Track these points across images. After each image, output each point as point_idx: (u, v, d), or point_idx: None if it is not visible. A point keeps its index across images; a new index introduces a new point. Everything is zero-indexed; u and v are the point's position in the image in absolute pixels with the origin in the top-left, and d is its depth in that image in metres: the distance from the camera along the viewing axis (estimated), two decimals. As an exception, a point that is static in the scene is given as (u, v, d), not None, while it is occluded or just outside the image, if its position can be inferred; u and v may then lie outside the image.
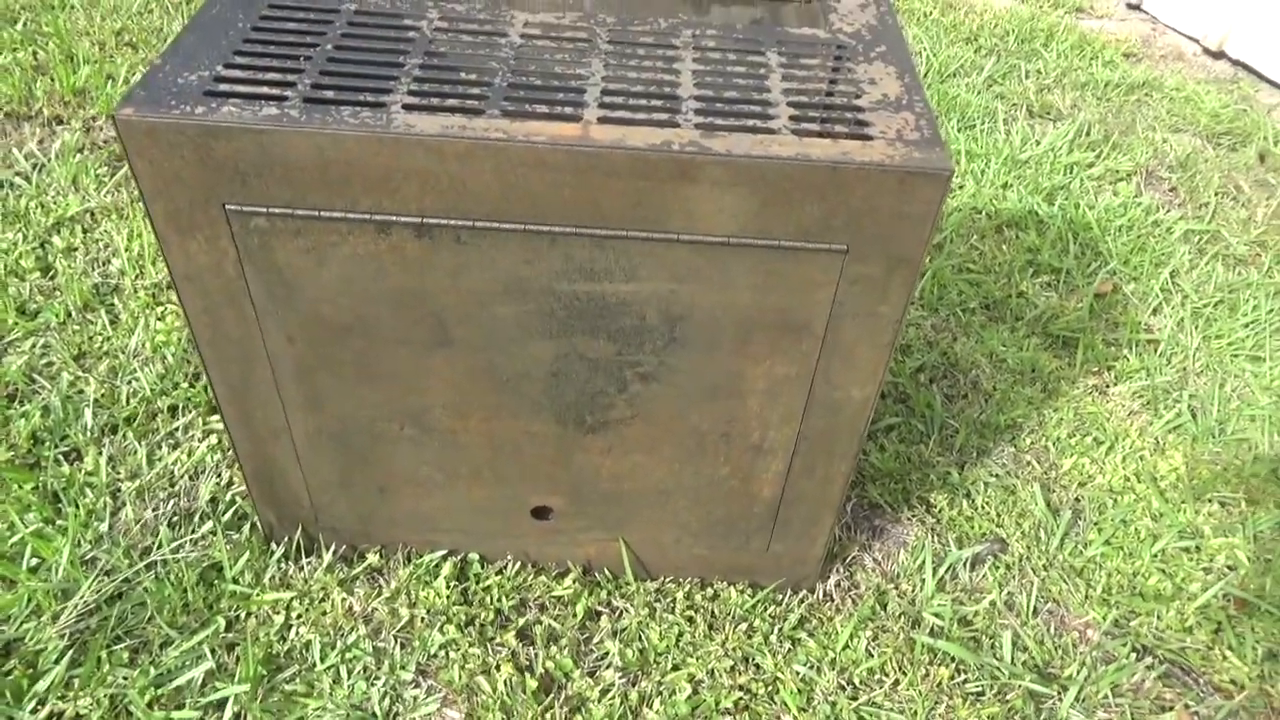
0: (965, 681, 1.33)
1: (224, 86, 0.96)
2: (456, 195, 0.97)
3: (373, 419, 1.21)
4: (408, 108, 0.96)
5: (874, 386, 1.14)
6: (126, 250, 1.85)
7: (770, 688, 1.30)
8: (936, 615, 1.40)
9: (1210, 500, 1.69)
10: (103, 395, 1.58)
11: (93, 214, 1.94)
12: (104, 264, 1.83)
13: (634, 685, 1.29)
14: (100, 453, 1.48)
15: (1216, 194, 2.62)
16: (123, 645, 1.26)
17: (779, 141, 0.95)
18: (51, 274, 1.80)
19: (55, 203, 1.95)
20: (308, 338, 1.11)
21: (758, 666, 1.32)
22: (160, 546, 1.35)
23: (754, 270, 1.02)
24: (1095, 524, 1.60)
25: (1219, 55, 3.31)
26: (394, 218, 0.99)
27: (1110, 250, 2.32)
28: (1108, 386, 1.93)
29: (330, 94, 0.97)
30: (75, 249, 1.86)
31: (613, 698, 1.27)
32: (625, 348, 1.11)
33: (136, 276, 1.80)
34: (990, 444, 1.73)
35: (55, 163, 2.04)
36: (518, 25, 1.10)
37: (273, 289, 1.06)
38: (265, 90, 0.96)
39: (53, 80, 2.28)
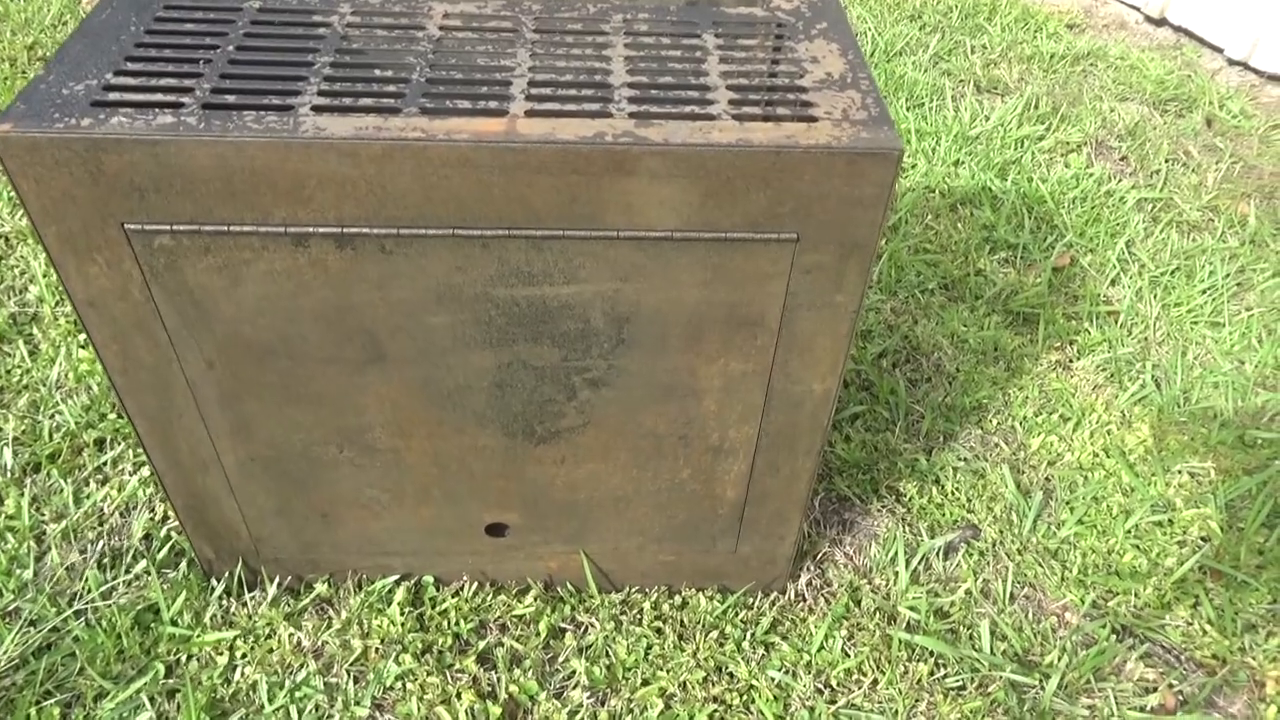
0: (945, 676, 1.29)
1: (114, 95, 0.88)
2: (377, 201, 0.90)
3: (307, 443, 1.13)
4: (318, 109, 0.89)
5: (835, 378, 1.09)
6: (44, 276, 1.75)
7: (745, 697, 1.25)
8: (912, 609, 1.36)
9: (1180, 471, 1.66)
10: (23, 432, 1.48)
11: (6, 239, 1.83)
12: (20, 291, 1.73)
13: (603, 704, 1.23)
14: (22, 494, 1.39)
15: (1167, 161, 2.61)
16: (53, 700, 1.17)
17: (719, 127, 0.89)
18: (-36, 306, 1.70)
19: (-34, 229, 1.84)
20: (228, 361, 1.04)
21: (731, 675, 1.27)
22: (89, 591, 1.26)
23: (701, 265, 0.96)
24: (1067, 503, 1.57)
25: (1161, 22, 3.31)
26: (311, 229, 0.92)
27: (1065, 223, 2.30)
28: (1071, 361, 1.90)
29: (232, 98, 0.89)
30: (-11, 277, 1.75)
31: (582, 719, 1.21)
32: (571, 353, 1.05)
33: (57, 303, 1.70)
34: (957, 427, 1.69)
35: (-35, 187, 1.93)
36: (436, 17, 1.03)
37: (185, 312, 0.98)
38: (159, 97, 0.88)
39: (-39, 100, 2.16)
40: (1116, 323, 2.01)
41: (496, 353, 1.04)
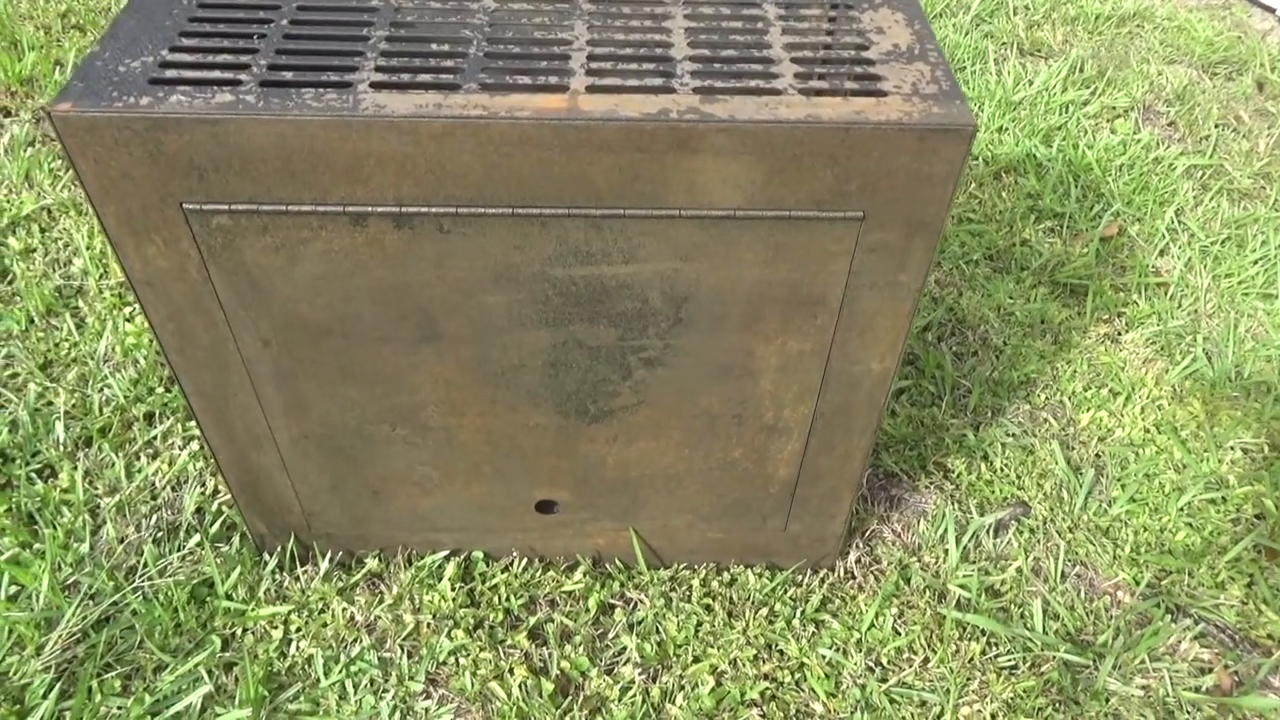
0: (997, 655, 1.28)
1: (170, 73, 0.87)
2: (436, 180, 0.88)
3: (361, 421, 1.13)
4: (376, 86, 0.87)
5: (894, 358, 1.07)
6: (88, 249, 1.75)
7: (797, 675, 1.25)
8: (962, 587, 1.35)
9: (1233, 447, 1.64)
10: (74, 406, 1.50)
11: (49, 211, 1.84)
12: (65, 264, 1.74)
13: (654, 681, 1.24)
14: (75, 468, 1.41)
15: (1216, 126, 2.54)
16: (114, 673, 1.19)
17: (786, 102, 0.87)
18: (9, 278, 1.70)
19: (8, 201, 1.84)
20: (284, 340, 1.03)
21: (782, 653, 1.27)
22: (146, 565, 1.28)
23: (763, 243, 0.95)
24: (1118, 480, 1.55)
25: (1210, -20, 3.20)
26: (369, 208, 0.90)
27: (1112, 191, 2.24)
28: (1119, 334, 1.87)
29: (289, 75, 0.87)
30: (33, 250, 1.76)
31: (633, 695, 1.21)
32: (627, 332, 1.03)
33: (100, 276, 1.71)
34: (1004, 402, 1.67)
35: (5, 159, 1.93)
36: (490, -13, 1.01)
37: (241, 291, 0.98)
38: (217, 75, 0.87)
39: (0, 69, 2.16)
40: (1166, 294, 1.97)
41: (552, 332, 1.03)
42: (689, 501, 1.27)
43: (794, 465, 1.21)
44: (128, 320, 1.64)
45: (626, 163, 0.87)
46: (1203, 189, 2.30)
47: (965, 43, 2.78)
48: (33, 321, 1.62)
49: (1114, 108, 2.58)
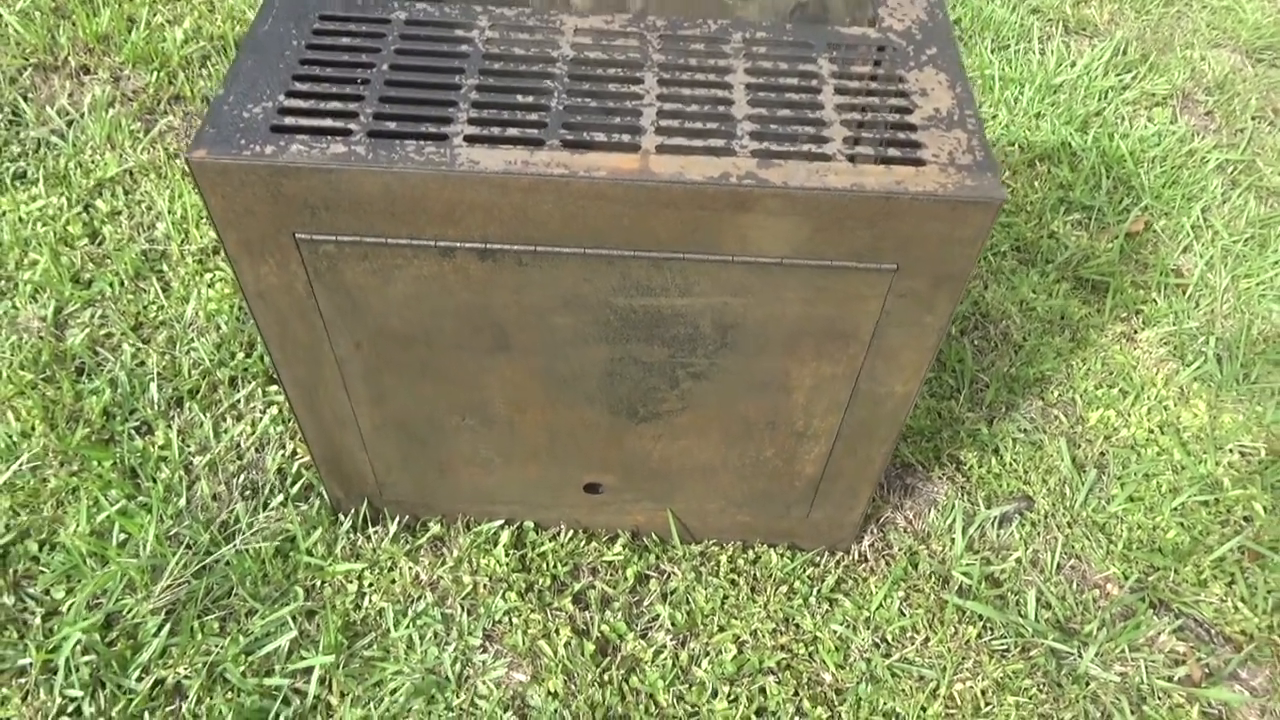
0: (992, 639, 1.43)
1: (289, 120, 0.98)
2: (518, 224, 1.00)
3: (435, 411, 1.27)
4: (470, 139, 0.98)
5: (917, 381, 1.19)
6: (169, 213, 1.88)
7: (810, 647, 1.40)
8: (965, 575, 1.49)
9: (1231, 450, 1.75)
10: (164, 367, 1.64)
11: (131, 174, 1.96)
12: (149, 228, 1.87)
13: (683, 646, 1.40)
14: (170, 426, 1.56)
15: (1254, 119, 2.58)
16: (212, 616, 1.36)
17: (834, 170, 0.97)
18: (99, 240, 1.84)
19: (93, 162, 1.97)
20: (374, 345, 1.16)
21: (798, 627, 1.42)
22: (238, 521, 1.44)
23: (805, 286, 1.06)
24: (1119, 478, 1.67)
25: (1266, -42, 3.17)
26: (458, 244, 1.02)
27: (1143, 185, 2.31)
28: (1135, 332, 1.97)
29: (393, 125, 0.98)
30: (119, 212, 1.89)
31: (664, 659, 1.37)
32: (678, 352, 1.16)
33: (182, 242, 1.84)
34: (1019, 398, 1.78)
35: (88, 119, 2.04)
36: (568, 33, 1.11)
37: (340, 305, 1.11)
38: (329, 123, 0.98)
39: (75, 26, 2.25)
40: (1184, 294, 2.05)
41: (611, 348, 1.15)
42: (722, 489, 1.40)
43: (819, 465, 1.35)
44: (209, 286, 1.77)
45: (689, 217, 0.98)
46: (1232, 185, 2.36)
47: (1011, 20, 2.80)
48: (123, 284, 1.76)
49: (1154, 94, 2.61)
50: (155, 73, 2.16)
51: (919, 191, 0.95)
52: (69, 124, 2.04)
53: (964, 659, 1.41)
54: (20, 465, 1.48)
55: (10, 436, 1.52)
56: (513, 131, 0.99)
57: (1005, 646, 1.42)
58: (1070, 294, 2.02)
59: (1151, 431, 1.76)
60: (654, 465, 1.36)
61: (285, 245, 1.03)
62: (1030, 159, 2.36)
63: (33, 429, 1.53)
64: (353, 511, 1.47)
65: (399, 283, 1.08)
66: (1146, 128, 2.49)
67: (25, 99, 2.08)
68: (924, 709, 1.36)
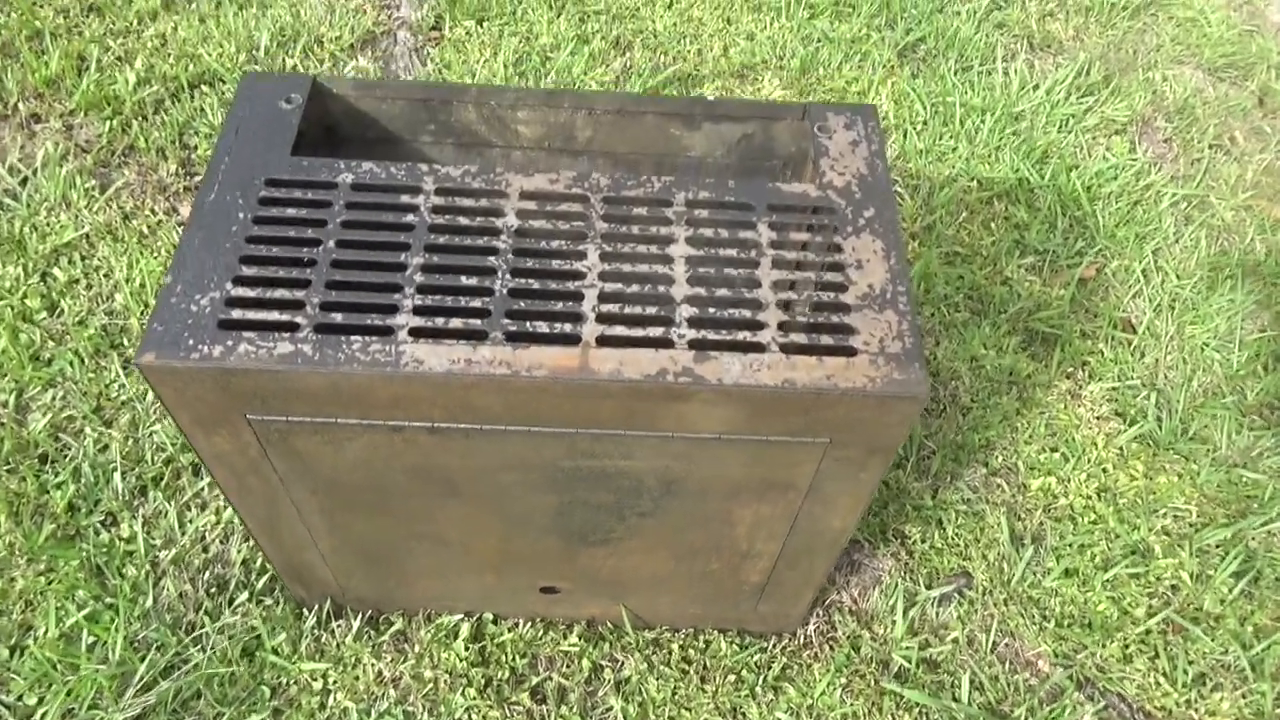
0: (926, 725, 1.51)
1: (236, 313, 1.00)
2: (463, 410, 1.03)
3: (390, 539, 1.31)
4: (415, 333, 1.00)
5: (855, 517, 1.24)
6: (128, 282, 1.88)
7: (755, 737, 1.48)
8: (905, 658, 1.57)
9: (1164, 515, 1.83)
10: (127, 453, 1.67)
11: (88, 238, 1.95)
12: (108, 298, 1.87)
13: (635, 738, 1.47)
14: (135, 517, 1.59)
15: (1211, 147, 2.61)
16: (181, 720, 1.42)
17: (768, 363, 1.00)
18: (58, 312, 1.84)
19: (49, 225, 1.95)
20: (328, 492, 1.20)
21: (744, 716, 1.50)
22: (203, 625, 1.49)
23: (743, 454, 1.10)
24: (1055, 550, 1.75)
25: (1233, -34, 3.16)
26: (406, 423, 1.05)
27: (1098, 225, 2.34)
28: (1081, 388, 2.03)
29: (339, 317, 1.01)
30: (77, 281, 1.88)
31: (617, 752, 1.45)
32: (624, 498, 1.20)
33: (142, 313, 1.84)
34: (963, 467, 1.85)
35: (42, 175, 2.02)
36: (513, 196, 1.12)
37: (294, 465, 1.14)
38: (276, 316, 1.00)
39: (22, 67, 2.21)
40: (1129, 347, 2.11)
41: (559, 496, 1.20)
42: (672, 592, 1.46)
43: (764, 575, 1.41)
44: (169, 363, 1.78)
45: (627, 407, 1.02)
46: (1185, 221, 2.40)
47: (976, 38, 2.79)
48: (83, 361, 1.77)
49: (1114, 120, 2.63)
50: (108, 121, 2.13)
51: (848, 387, 0.99)
52: (22, 182, 2.02)
53: (900, 745, 1.49)
54: (-12, 564, 1.51)
55: (-23, 533, 1.55)
56: (456, 322, 1.01)
57: (939, 732, 1.51)
58: (1020, 348, 2.07)
59: (1089, 499, 1.83)
60: (606, 576, 1.41)
61: (237, 422, 1.06)
62: (989, 196, 2.38)
63: (-1, 524, 1.56)
64: (317, 608, 1.52)
65: (349, 451, 1.11)
66: (1105, 159, 2.52)
67: (-25, 151, 2.05)
68: (861, 794, 1.45)
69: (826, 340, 1.03)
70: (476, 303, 1.03)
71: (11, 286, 1.85)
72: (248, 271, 1.04)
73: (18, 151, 2.07)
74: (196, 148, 2.13)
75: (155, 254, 1.93)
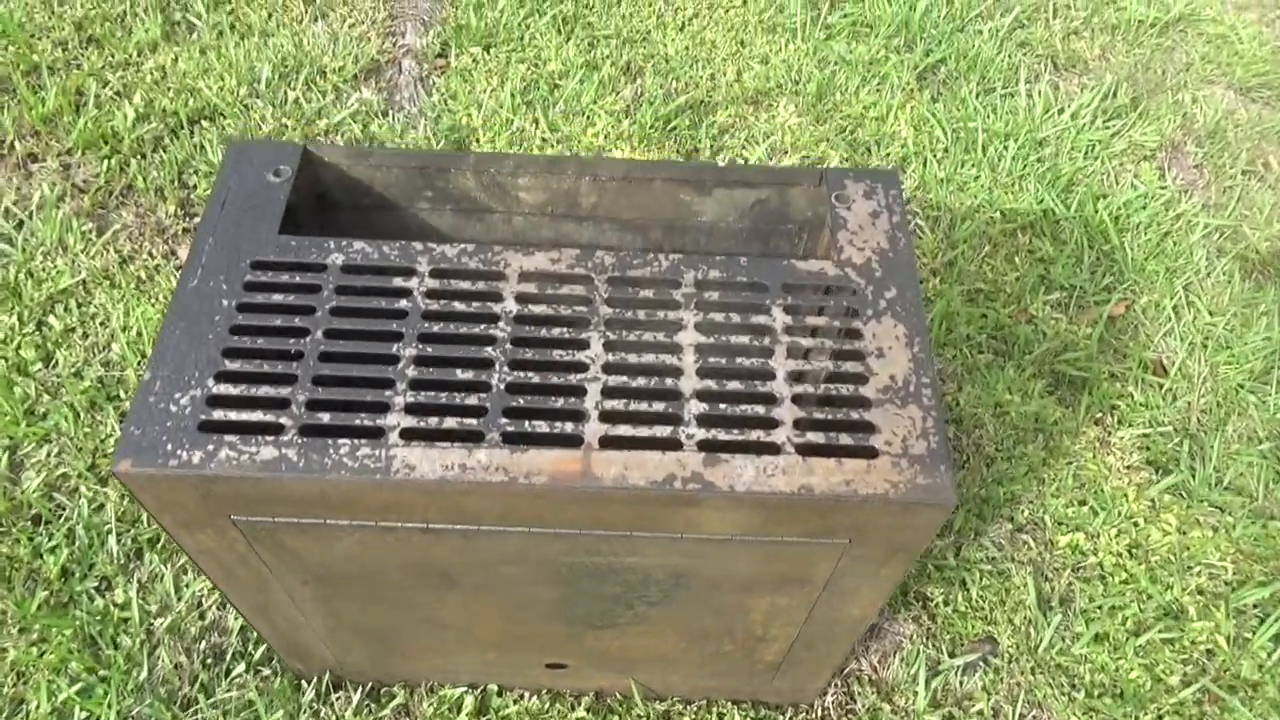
0: (950, 807, 1.45)
1: (218, 414, 0.95)
2: (459, 514, 0.97)
3: (389, 624, 1.26)
4: (406, 434, 0.94)
5: (875, 608, 1.18)
6: (124, 330, 1.83)
7: (770, 820, 1.42)
8: (927, 733, 1.50)
9: (1198, 573, 1.75)
10: (122, 513, 1.62)
11: (85, 284, 1.90)
12: (104, 349, 1.82)
13: (645, 821, 1.41)
14: (130, 582, 1.55)
15: (1243, 174, 2.51)
16: (175, 802, 1.37)
17: (783, 466, 0.94)
18: (54, 364, 1.79)
19: (45, 271, 1.91)
20: (320, 583, 1.14)
21: (759, 796, 1.44)
22: (199, 701, 1.44)
23: (756, 553, 1.04)
24: (1084, 613, 1.67)
25: (1265, -21, 3.05)
26: (398, 524, 1.00)
27: (1126, 259, 2.26)
28: (1110, 434, 1.95)
29: (325, 417, 0.95)
30: (73, 330, 1.84)
31: (626, 837, 1.39)
32: (631, 590, 1.14)
33: (138, 364, 1.80)
34: (987, 523, 1.77)
35: (38, 219, 1.98)
36: (511, 279, 1.06)
37: (283, 559, 1.08)
38: (259, 416, 0.94)
39: (19, 103, 2.16)
40: (1161, 390, 2.03)
41: (563, 588, 1.14)
42: (684, 669, 1.40)
43: (780, 655, 1.34)
44: (167, 417, 1.73)
45: (634, 511, 0.96)
46: (1217, 254, 2.31)
47: (999, 59, 2.70)
48: (78, 416, 1.73)
49: (1142, 146, 2.54)
50: (106, 160, 2.08)
51: (869, 494, 0.93)
52: (18, 226, 1.97)
53: (922, 829, 1.43)
54: (-21, 635, 1.47)
55: (-32, 600, 1.51)
56: (450, 422, 0.95)
57: (963, 815, 1.44)
58: (1046, 392, 1.99)
59: (1119, 556, 1.75)
60: (615, 654, 1.35)
61: (222, 524, 1.01)
62: (1012, 229, 2.30)
63: (-9, 590, 1.52)
64: (315, 680, 1.46)
65: (339, 548, 1.05)
66: (1133, 187, 2.43)
67: (-28, 192, 2.01)
68: None
69: (845, 440, 0.96)
70: (472, 399, 0.97)
71: (6, 336, 1.80)
72: (231, 366, 0.98)
73: (13, 193, 2.03)
74: (196, 187, 2.08)
75: (153, 300, 1.88)
